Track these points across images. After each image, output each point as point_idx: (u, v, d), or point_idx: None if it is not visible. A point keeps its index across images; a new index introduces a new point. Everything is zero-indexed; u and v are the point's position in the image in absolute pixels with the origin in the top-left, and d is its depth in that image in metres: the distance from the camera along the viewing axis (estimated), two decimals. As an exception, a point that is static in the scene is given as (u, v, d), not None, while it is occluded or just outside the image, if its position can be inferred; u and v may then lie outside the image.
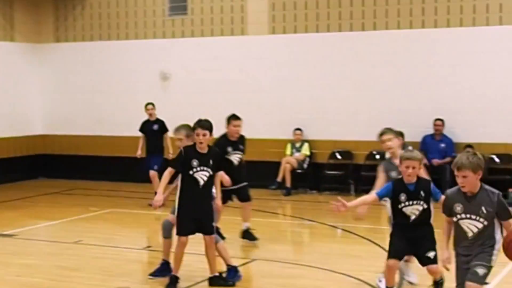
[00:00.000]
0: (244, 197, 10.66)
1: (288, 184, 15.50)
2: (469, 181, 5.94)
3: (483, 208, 5.97)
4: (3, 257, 9.86)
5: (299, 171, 15.78)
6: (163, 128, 14.55)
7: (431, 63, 15.03)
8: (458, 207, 6.02)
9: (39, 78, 18.23)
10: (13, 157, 16.93)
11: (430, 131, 14.98)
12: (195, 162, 7.96)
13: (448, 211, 6.11)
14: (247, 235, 10.67)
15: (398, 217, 7.10)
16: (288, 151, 15.88)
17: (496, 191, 6.07)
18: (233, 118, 10.67)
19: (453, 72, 14.89)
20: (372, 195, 7.37)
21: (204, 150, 8.09)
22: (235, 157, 10.53)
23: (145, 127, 14.70)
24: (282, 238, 11.67)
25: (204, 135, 8.08)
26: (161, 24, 17.22)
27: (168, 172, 8.03)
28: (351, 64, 15.62)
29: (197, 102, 16.63)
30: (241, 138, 10.68)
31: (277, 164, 15.61)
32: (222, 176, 8.43)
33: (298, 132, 15.84)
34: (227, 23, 16.61)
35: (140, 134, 14.72)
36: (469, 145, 14.61)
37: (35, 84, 18.18)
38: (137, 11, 17.41)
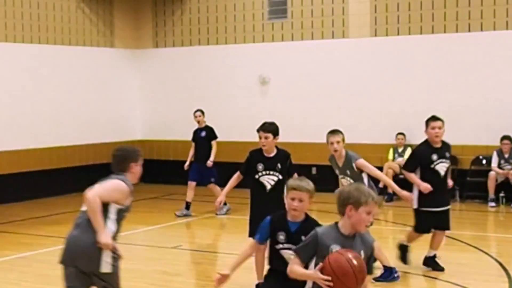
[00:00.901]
0: (445, 225, 8.94)
1: (390, 190, 15.07)
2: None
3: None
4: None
5: (401, 176, 15.31)
6: (211, 135, 13.97)
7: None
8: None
9: (138, 83, 18.50)
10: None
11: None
12: (260, 166, 7.87)
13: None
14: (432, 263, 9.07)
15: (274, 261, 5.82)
16: (391, 156, 15.48)
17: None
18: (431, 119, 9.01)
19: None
20: (250, 245, 6.08)
21: (270, 153, 7.88)
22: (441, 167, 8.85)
23: (195, 135, 14.18)
24: (384, 245, 11.31)
25: (266, 138, 7.94)
26: (260, 28, 17.14)
27: (236, 176, 8.08)
28: (456, 66, 15.11)
29: (296, 106, 16.49)
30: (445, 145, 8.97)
31: (380, 170, 15.17)
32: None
33: (400, 136, 15.42)
34: (328, 26, 16.36)
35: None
36: None
37: (134, 90, 18.46)
38: (236, 15, 17.40)
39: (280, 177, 7.95)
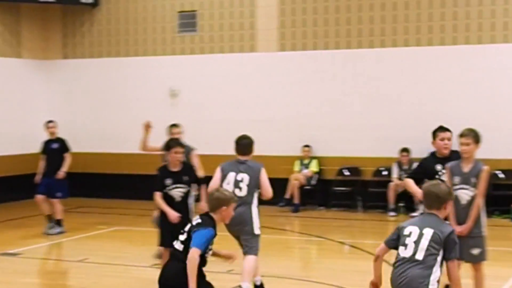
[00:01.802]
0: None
1: (296, 200, 15.52)
2: None
3: None
4: (7, 276, 9.75)
5: (307, 187, 15.81)
6: (64, 147, 13.16)
7: (438, 81, 15.09)
8: None
9: (46, 95, 18.20)
10: (19, 175, 16.45)
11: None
12: (168, 181, 8.38)
13: None
14: None
15: None
16: (297, 168, 15.91)
17: None
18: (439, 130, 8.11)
19: (460, 90, 14.94)
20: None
21: (176, 168, 8.47)
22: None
23: (46, 147, 13.23)
24: (291, 255, 11.69)
25: (180, 153, 8.50)
26: (170, 41, 17.32)
27: (158, 195, 8.36)
28: (360, 81, 15.68)
29: (206, 119, 16.71)
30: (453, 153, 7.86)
31: (286, 181, 15.64)
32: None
33: (306, 148, 15.88)
34: (237, 40, 16.70)
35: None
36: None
37: (42, 101, 18.14)
38: (146, 27, 17.52)
39: (188, 188, 8.46)
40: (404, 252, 5.38)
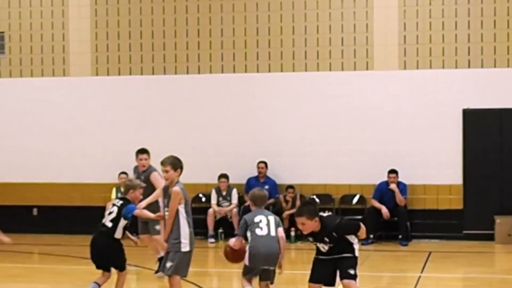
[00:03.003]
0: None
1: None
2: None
3: None
4: None
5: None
6: None
7: (254, 106, 15.41)
8: None
9: None
10: None
11: (254, 173, 15.24)
12: None
13: None
14: None
15: None
16: (113, 195, 15.47)
17: None
18: None
19: (275, 115, 15.33)
20: None
21: None
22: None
23: None
24: (109, 286, 11.28)
25: None
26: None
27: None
28: (176, 106, 15.67)
29: (16, 146, 15.98)
30: None
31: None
32: None
33: (123, 175, 15.48)
34: (48, 63, 16.12)
35: None
36: (291, 186, 15.07)
37: None
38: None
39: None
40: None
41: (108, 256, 8.63)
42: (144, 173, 10.87)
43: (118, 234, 8.54)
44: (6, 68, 16.33)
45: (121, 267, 8.72)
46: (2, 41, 16.35)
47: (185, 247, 7.81)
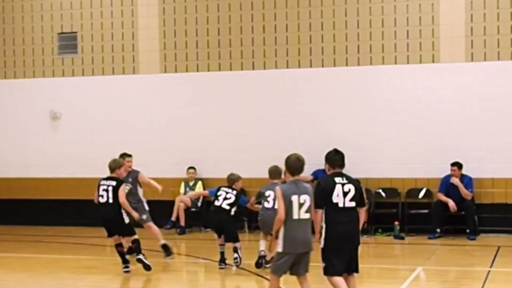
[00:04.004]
0: None
1: (182, 222, 15.44)
2: None
3: None
4: None
5: (193, 209, 15.77)
6: None
7: (320, 101, 15.46)
8: None
9: None
10: None
11: (322, 166, 15.31)
12: None
13: None
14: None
15: None
16: (182, 190, 15.85)
17: None
18: None
19: (340, 110, 15.37)
20: None
21: None
22: None
23: None
24: (177, 278, 11.60)
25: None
26: (50, 63, 16.96)
27: None
28: (242, 102, 15.86)
29: (88, 141, 16.48)
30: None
31: (172, 203, 15.55)
32: None
33: (191, 170, 15.85)
34: (118, 62, 16.53)
35: None
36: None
37: None
38: (25, 49, 17.09)
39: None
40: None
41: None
42: (130, 174, 12.22)
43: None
44: (79, 67, 16.83)
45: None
46: (75, 41, 16.84)
47: (279, 248, 7.65)
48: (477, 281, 10.25)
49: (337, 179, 7.67)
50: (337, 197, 7.61)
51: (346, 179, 7.70)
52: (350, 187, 7.65)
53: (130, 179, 12.01)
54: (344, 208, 7.61)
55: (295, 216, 7.50)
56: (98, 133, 16.52)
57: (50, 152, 16.73)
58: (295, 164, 7.73)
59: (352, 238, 7.70)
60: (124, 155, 12.21)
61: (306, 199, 7.55)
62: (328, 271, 7.61)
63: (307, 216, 7.55)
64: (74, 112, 16.72)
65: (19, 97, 17.05)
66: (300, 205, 7.51)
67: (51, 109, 16.78)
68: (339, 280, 7.57)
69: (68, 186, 16.49)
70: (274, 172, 11.04)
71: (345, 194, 7.62)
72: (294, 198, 7.50)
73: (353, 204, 7.64)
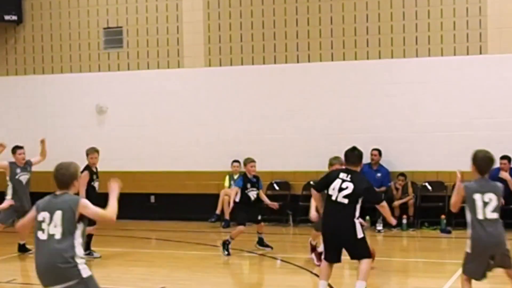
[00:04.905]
0: None
1: (226, 216, 15.49)
2: None
3: None
4: None
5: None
6: None
7: (365, 93, 15.34)
8: None
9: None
10: None
11: (367, 160, 15.22)
12: None
13: None
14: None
15: None
16: (227, 183, 15.89)
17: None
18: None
19: (386, 102, 15.23)
20: None
21: None
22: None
23: None
24: (223, 271, 11.65)
25: None
26: (96, 58, 17.13)
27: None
28: (288, 95, 15.81)
29: (134, 135, 16.60)
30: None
31: (216, 197, 15.61)
32: None
33: (236, 164, 15.87)
34: (163, 56, 16.64)
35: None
36: (402, 174, 14.98)
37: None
38: (72, 44, 17.29)
39: None
40: None
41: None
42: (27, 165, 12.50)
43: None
44: (124, 62, 16.97)
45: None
46: (121, 35, 16.98)
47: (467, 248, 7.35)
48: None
49: (342, 175, 8.20)
50: (332, 190, 8.16)
51: (351, 178, 8.12)
52: (348, 185, 8.08)
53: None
54: (336, 201, 8.09)
55: (480, 216, 7.17)
56: (143, 127, 16.64)
57: (96, 146, 16.89)
58: (484, 162, 7.49)
59: (339, 231, 8.14)
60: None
61: (492, 198, 7.22)
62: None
63: (494, 216, 7.21)
64: (120, 106, 16.87)
65: (66, 92, 17.27)
66: (485, 204, 7.20)
67: (97, 103, 16.95)
68: (323, 267, 8.35)
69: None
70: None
71: (340, 189, 8.10)
72: (477, 196, 7.21)
73: (345, 200, 8.05)
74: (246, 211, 12.03)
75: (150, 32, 16.74)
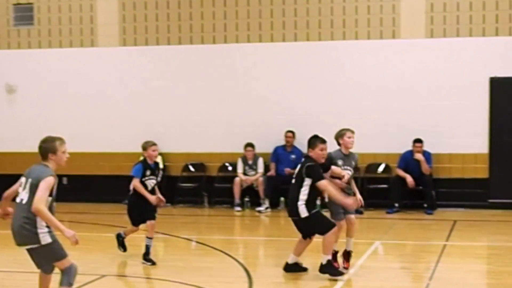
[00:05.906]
0: None
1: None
2: None
3: None
4: None
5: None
6: None
7: (280, 76, 15.42)
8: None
9: None
10: None
11: (281, 142, 15.33)
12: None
13: None
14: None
15: None
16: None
17: None
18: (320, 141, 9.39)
19: (301, 85, 15.34)
20: None
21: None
22: None
23: None
24: (135, 253, 11.51)
25: None
26: (6, 35, 16.60)
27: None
28: (203, 77, 15.74)
29: (45, 116, 16.22)
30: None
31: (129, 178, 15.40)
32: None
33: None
34: (76, 34, 16.27)
35: None
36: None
37: None
38: (-21, 21, 16.72)
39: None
40: None
41: None
42: None
43: None
44: (35, 39, 16.51)
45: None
46: (31, 12, 16.51)
47: None
48: (433, 254, 10.42)
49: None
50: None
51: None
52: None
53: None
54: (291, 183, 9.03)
55: None
56: (55, 107, 16.27)
57: (6, 126, 16.45)
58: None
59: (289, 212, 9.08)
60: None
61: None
62: None
63: None
64: (30, 85, 16.43)
65: (-27, 69, 16.71)
66: None
67: (6, 82, 16.47)
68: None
69: (24, 160, 16.18)
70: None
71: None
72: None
73: (293, 181, 8.93)
74: (140, 209, 10.09)
75: (62, 9, 16.34)
